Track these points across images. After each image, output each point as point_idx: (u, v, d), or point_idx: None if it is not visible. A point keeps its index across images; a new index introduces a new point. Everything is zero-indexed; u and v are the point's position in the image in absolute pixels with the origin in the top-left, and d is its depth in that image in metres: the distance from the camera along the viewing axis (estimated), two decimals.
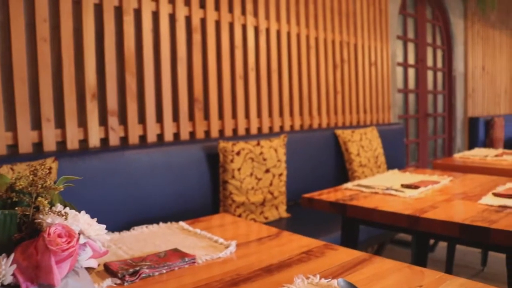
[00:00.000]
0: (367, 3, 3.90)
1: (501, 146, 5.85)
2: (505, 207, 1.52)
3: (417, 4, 4.90)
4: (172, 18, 2.49)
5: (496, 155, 2.98)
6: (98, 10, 2.21)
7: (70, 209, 0.78)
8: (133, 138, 2.32)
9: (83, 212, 0.79)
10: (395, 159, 3.68)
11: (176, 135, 2.52)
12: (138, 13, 2.35)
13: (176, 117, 2.51)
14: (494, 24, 6.53)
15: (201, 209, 2.34)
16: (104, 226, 0.81)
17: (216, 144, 2.43)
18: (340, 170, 3.17)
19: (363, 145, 3.17)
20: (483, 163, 2.78)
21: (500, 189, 1.79)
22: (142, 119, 2.38)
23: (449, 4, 5.32)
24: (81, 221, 0.76)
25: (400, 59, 4.60)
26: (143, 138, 2.39)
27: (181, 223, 1.47)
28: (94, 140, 2.17)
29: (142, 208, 2.11)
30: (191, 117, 2.57)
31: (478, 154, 3.06)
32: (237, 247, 1.22)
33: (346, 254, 1.12)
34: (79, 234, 0.75)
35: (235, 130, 2.79)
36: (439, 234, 1.45)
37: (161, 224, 1.49)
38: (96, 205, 1.95)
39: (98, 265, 0.84)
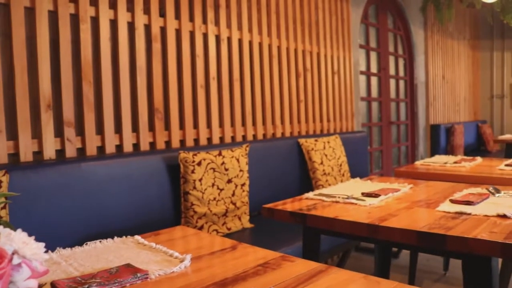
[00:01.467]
0: (329, 12, 3.94)
1: (461, 152, 6.00)
2: (461, 213, 1.54)
3: (378, 14, 4.99)
4: (131, 26, 2.44)
5: (455, 162, 3.03)
6: (53, 17, 2.14)
7: (4, 227, 0.74)
8: (91, 150, 2.25)
9: (19, 230, 0.74)
10: (359, 167, 3.71)
11: (136, 146, 2.46)
12: (95, 21, 2.29)
13: (135, 128, 2.45)
14: (452, 35, 6.71)
15: (162, 221, 2.29)
16: (43, 244, 0.77)
17: (177, 155, 2.39)
18: (304, 179, 3.17)
19: (327, 154, 3.18)
20: (443, 170, 2.83)
21: (457, 195, 1.81)
22: (100, 130, 2.31)
23: (409, 14, 5.44)
24: (16, 240, 0.71)
25: (363, 67, 4.66)
26: (101, 149, 2.32)
27: (137, 237, 1.42)
28: (49, 152, 2.10)
29: (99, 222, 2.04)
30: (151, 127, 2.52)
31: (438, 161, 3.11)
32: (193, 261, 1.18)
33: (303, 266, 1.10)
34: (12, 254, 0.70)
35: (196, 140, 2.75)
36: (398, 242, 1.45)
37: (115, 238, 1.43)
38: (51, 219, 1.87)
39: (43, 284, 0.79)
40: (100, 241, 1.40)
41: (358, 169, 3.64)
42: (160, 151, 2.42)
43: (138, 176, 2.22)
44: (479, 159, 3.15)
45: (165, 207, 2.33)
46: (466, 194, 1.84)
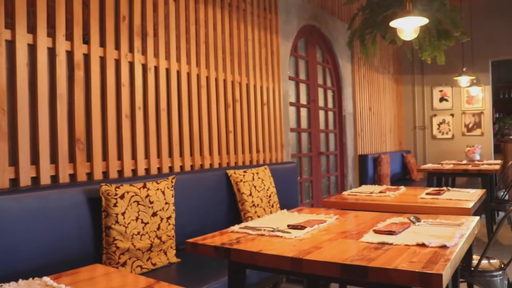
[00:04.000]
0: (259, 44, 3.99)
1: (388, 181, 6.20)
2: (383, 243, 1.55)
3: (308, 47, 5.13)
4: (52, 52, 2.33)
5: (381, 192, 3.11)
6: None
7: None
8: (3, 182, 2.09)
9: None
10: (289, 198, 3.72)
11: (55, 178, 2.32)
12: (11, 45, 2.16)
13: (54, 159, 2.32)
14: (377, 69, 7.03)
15: (81, 258, 2.14)
16: None
17: (98, 187, 2.27)
18: (233, 211, 3.12)
19: (256, 185, 3.16)
20: (369, 200, 2.89)
21: (380, 225, 1.83)
22: (14, 161, 2.16)
23: (337, 48, 5.64)
24: None
25: (292, 99, 4.73)
26: (15, 181, 2.16)
27: (45, 279, 1.31)
28: None
29: (9, 261, 1.88)
30: (72, 158, 2.39)
31: (365, 191, 3.18)
32: None
33: None
34: None
35: (120, 172, 2.64)
36: (323, 275, 1.43)
37: (20, 281, 1.31)
38: None
39: None
40: (1, 285, 1.28)
41: (288, 200, 3.65)
42: (81, 184, 2.30)
43: (55, 210, 2.08)
44: (403, 188, 3.25)
45: (85, 243, 2.19)
46: (389, 224, 1.87)
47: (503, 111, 10.71)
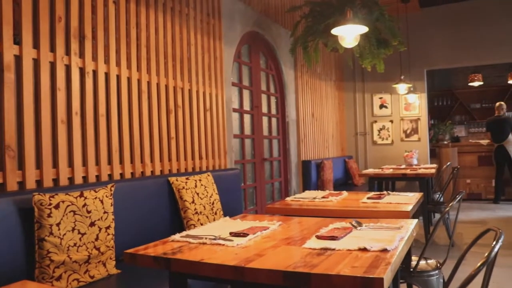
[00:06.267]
0: (202, 50, 3.95)
1: (331, 186, 6.30)
2: (326, 249, 1.55)
3: (251, 53, 5.14)
4: None
5: (323, 197, 3.14)
6: None
7: None
8: None
9: None
10: (232, 204, 3.68)
11: None
12: None
13: None
14: (320, 76, 7.16)
15: (11, 274, 2.00)
16: None
17: (31, 197, 2.14)
18: (176, 219, 3.05)
19: (198, 192, 3.10)
20: (312, 205, 2.90)
21: (323, 231, 1.83)
22: None
23: (280, 55, 5.68)
24: None
25: (236, 105, 4.72)
26: None
27: None
28: None
29: None
30: (1, 166, 2.25)
31: (308, 197, 3.19)
32: None
33: None
34: None
35: (56, 180, 2.51)
36: (266, 284, 1.41)
37: None
38: None
39: None
40: None
41: (232, 207, 3.61)
42: (11, 193, 2.17)
43: None
44: (345, 193, 3.30)
45: (16, 257, 2.06)
46: (331, 229, 1.87)
47: (438, 117, 11.22)
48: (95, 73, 2.81)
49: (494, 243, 1.34)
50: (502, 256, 4.25)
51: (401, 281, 2.26)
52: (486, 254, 1.29)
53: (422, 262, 2.53)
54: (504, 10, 7.47)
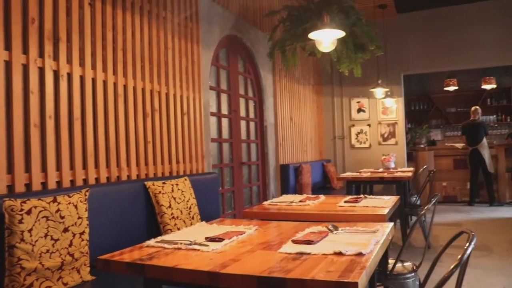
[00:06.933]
0: (179, 53, 3.92)
1: (309, 190, 6.32)
2: (301, 253, 1.54)
3: (229, 57, 5.13)
4: None
5: (301, 201, 3.14)
6: None
7: None
8: None
9: None
10: (210, 209, 3.66)
11: None
12: None
13: None
14: (298, 80, 7.19)
15: None
16: None
17: (1, 203, 2.09)
18: (152, 224, 3.01)
19: (175, 197, 3.07)
20: (290, 209, 2.90)
21: (299, 235, 1.83)
22: None
23: (258, 59, 5.69)
24: None
25: (213, 109, 4.70)
26: None
27: None
28: None
29: None
30: None
31: (285, 201, 3.20)
32: None
33: None
34: None
35: (28, 185, 2.46)
36: None
37: None
38: None
39: None
40: None
41: (209, 211, 3.59)
42: None
43: None
44: (322, 197, 3.30)
45: None
46: (307, 233, 1.87)
47: (415, 121, 11.39)
48: (69, 76, 2.76)
49: (467, 245, 1.35)
50: (476, 257, 4.32)
51: (378, 284, 2.27)
52: (459, 256, 1.31)
53: (399, 265, 2.55)
54: (478, 17, 7.63)
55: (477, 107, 8.12)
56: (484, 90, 10.67)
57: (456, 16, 7.74)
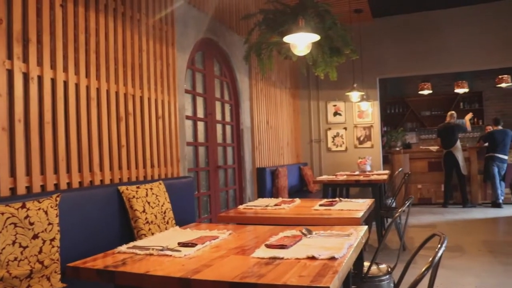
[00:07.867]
0: (154, 56, 3.88)
1: (286, 193, 6.32)
2: (274, 258, 1.53)
3: (205, 60, 5.10)
4: None
5: (276, 204, 3.13)
6: None
7: None
8: None
9: None
10: (185, 213, 3.62)
11: None
12: None
13: None
14: (275, 83, 7.20)
15: None
16: None
17: None
18: (126, 229, 2.96)
19: (149, 201, 3.03)
20: (265, 213, 2.89)
21: (272, 239, 1.82)
22: None
23: (234, 62, 5.67)
24: None
25: (189, 112, 4.66)
26: None
27: None
28: None
29: None
30: None
31: (260, 204, 3.18)
32: None
33: None
34: None
35: None
36: None
37: None
38: None
39: None
40: None
41: (184, 216, 3.55)
42: None
43: None
44: (297, 201, 3.30)
45: None
46: (281, 237, 1.86)
47: (390, 125, 11.53)
48: (40, 78, 2.70)
49: (438, 247, 1.36)
50: (449, 258, 4.37)
51: (353, 286, 2.27)
52: (431, 259, 1.32)
53: (374, 267, 2.56)
54: (451, 23, 7.77)
55: (453, 112, 8.33)
56: (457, 94, 10.87)
57: (430, 22, 7.87)
